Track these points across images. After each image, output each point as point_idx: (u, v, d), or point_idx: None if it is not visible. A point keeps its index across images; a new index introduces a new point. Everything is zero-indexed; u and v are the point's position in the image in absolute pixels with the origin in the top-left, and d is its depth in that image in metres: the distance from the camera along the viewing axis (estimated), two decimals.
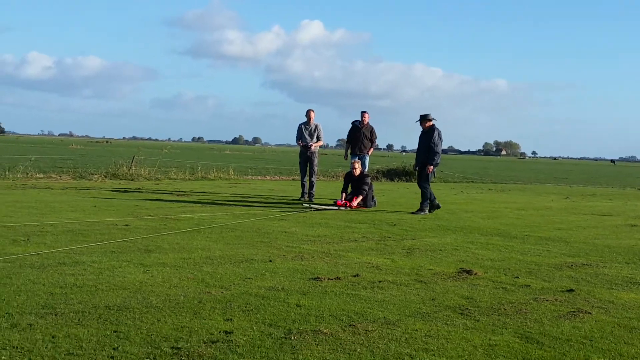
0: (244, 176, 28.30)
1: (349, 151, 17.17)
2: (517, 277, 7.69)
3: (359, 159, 16.60)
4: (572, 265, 8.59)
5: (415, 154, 15.74)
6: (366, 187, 15.57)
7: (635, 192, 30.06)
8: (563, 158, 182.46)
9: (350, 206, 15.20)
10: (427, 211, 14.51)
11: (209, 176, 27.25)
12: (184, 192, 18.25)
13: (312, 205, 15.21)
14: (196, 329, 5.10)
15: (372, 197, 16.06)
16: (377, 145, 17.19)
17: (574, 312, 6.15)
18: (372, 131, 17.01)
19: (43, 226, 10.13)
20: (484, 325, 5.59)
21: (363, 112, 16.95)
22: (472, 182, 34.33)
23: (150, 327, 5.08)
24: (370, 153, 17.30)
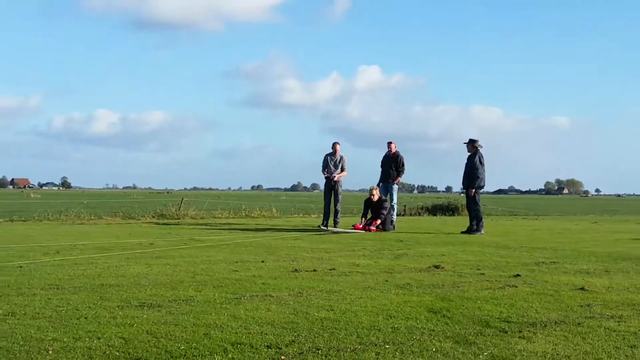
0: (287, 215, 29.22)
1: (380, 181, 17.95)
2: (480, 270, 8.54)
3: (384, 187, 17.48)
4: (539, 263, 9.37)
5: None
6: (384, 212, 16.50)
7: None
8: (628, 195, 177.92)
9: (369, 229, 16.14)
10: (482, 231, 15.58)
11: (252, 214, 28.34)
12: (222, 224, 19.52)
13: (329, 228, 16.23)
14: (168, 295, 6.29)
15: (392, 221, 17.00)
16: (403, 172, 17.80)
17: (503, 287, 7.08)
18: (398, 160, 17.63)
19: (75, 245, 11.54)
20: (414, 293, 6.59)
21: (389, 143, 17.85)
22: (515, 215, 34.47)
23: (129, 294, 6.32)
24: (397, 182, 17.91)
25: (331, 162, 17.99)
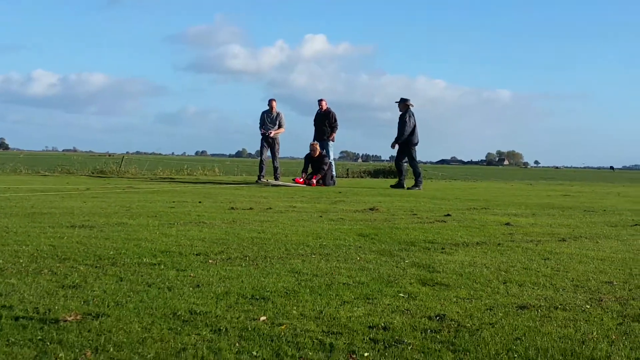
0: (230, 175, 29.10)
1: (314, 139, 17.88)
2: (413, 212, 8.76)
3: (319, 145, 17.47)
4: (470, 209, 9.66)
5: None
6: (325, 167, 16.61)
7: (605, 183, 30.99)
8: (566, 167, 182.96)
9: (310, 183, 16.24)
10: (420, 187, 15.96)
11: (194, 173, 28.12)
12: (163, 179, 19.38)
13: (269, 181, 16.29)
14: (100, 221, 6.31)
15: (332, 176, 17.14)
16: (336, 129, 17.80)
17: (432, 222, 7.31)
18: (330, 116, 17.56)
19: (9, 188, 11.34)
20: (345, 224, 6.76)
21: (320, 100, 17.77)
22: (455, 179, 35.06)
23: (62, 220, 6.33)
24: (332, 138, 17.90)
25: (268, 119, 17.65)
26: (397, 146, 16.26)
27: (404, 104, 16.26)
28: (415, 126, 16.06)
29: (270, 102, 17.88)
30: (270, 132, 17.34)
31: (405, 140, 16.02)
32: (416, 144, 16.34)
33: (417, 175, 16.09)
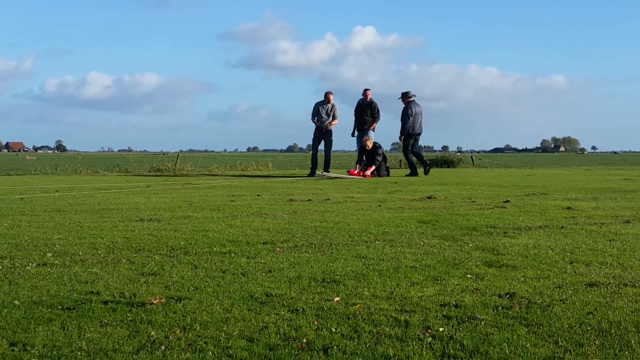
0: (284, 170, 29.34)
1: (355, 129, 17.98)
2: (472, 199, 8.76)
3: (359, 135, 17.51)
4: (529, 195, 9.61)
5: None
6: (379, 158, 16.64)
7: None
8: (624, 152, 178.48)
9: (364, 175, 16.30)
10: (417, 174, 16.53)
11: (248, 169, 28.47)
12: (218, 175, 19.71)
13: (324, 173, 16.42)
14: (166, 215, 6.53)
15: (386, 167, 17.15)
16: (379, 119, 17.90)
17: (492, 208, 7.32)
18: (373, 107, 17.57)
19: (74, 187, 11.73)
20: (405, 212, 6.83)
21: (366, 90, 17.81)
22: (510, 167, 34.65)
23: (130, 214, 6.57)
24: (373, 128, 17.83)
25: (322, 111, 17.62)
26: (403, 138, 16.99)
27: (405, 98, 16.83)
28: (417, 117, 16.61)
29: (326, 94, 17.88)
30: (328, 125, 17.37)
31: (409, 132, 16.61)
32: (419, 134, 16.88)
33: (425, 164, 16.81)
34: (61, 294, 3.16)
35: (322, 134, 17.57)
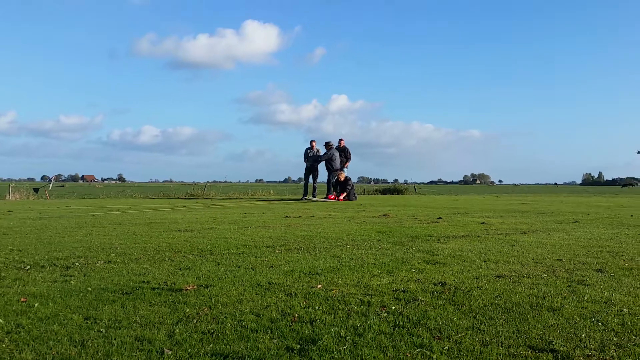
0: (281, 195, 29.24)
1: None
2: (415, 217, 8.78)
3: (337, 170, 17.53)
4: (455, 213, 9.66)
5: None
6: (349, 187, 16.68)
7: (551, 194, 30.45)
8: (522, 184, 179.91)
9: (339, 199, 16.30)
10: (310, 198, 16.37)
11: (255, 195, 28.34)
12: (234, 198, 19.57)
13: (310, 198, 16.41)
14: (197, 227, 6.45)
15: (354, 194, 17.16)
16: (350, 159, 17.87)
17: (429, 223, 7.33)
18: (346, 150, 17.67)
19: (130, 207, 11.59)
20: (367, 225, 6.81)
21: (340, 139, 17.94)
22: (441, 194, 34.80)
23: (171, 226, 6.47)
24: (346, 166, 17.88)
25: (310, 153, 17.80)
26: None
27: (327, 145, 16.91)
28: (335, 157, 16.56)
29: (311, 142, 17.95)
30: (341, 172, 17.22)
31: (327, 166, 16.61)
32: (336, 170, 16.64)
33: (338, 193, 16.61)
34: (121, 283, 3.13)
35: (310, 169, 17.63)
